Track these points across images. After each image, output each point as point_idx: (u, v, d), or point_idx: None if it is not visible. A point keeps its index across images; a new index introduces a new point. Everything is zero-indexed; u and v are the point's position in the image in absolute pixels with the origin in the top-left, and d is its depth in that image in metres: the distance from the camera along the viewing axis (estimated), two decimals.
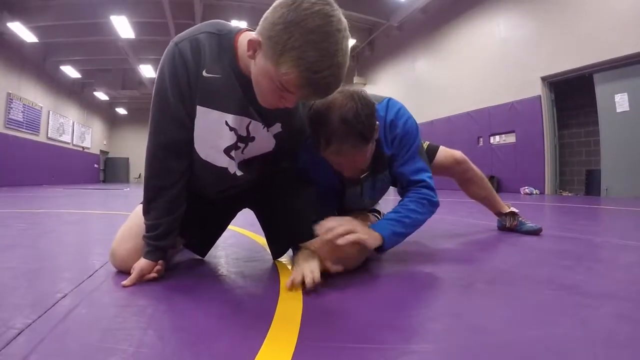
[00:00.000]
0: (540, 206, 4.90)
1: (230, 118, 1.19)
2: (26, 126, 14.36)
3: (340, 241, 1.19)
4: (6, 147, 12.90)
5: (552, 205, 5.03)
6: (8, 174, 12.82)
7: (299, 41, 0.91)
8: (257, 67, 1.03)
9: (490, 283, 1.25)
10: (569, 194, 8.31)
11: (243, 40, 1.13)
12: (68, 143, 18.20)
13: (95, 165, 22.23)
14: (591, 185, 8.06)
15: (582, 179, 8.77)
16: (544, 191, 8.33)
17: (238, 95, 1.17)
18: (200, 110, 1.18)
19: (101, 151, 23.35)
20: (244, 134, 1.24)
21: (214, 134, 1.21)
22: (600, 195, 7.38)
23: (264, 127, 1.26)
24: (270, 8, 0.98)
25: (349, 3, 11.45)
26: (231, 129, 1.21)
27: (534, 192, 8.24)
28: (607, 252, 1.83)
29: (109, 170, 24.33)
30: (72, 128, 18.59)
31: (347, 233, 1.21)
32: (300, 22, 0.91)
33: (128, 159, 24.61)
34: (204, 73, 1.15)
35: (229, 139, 1.23)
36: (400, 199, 1.52)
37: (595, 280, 1.27)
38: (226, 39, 1.16)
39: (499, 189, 9.14)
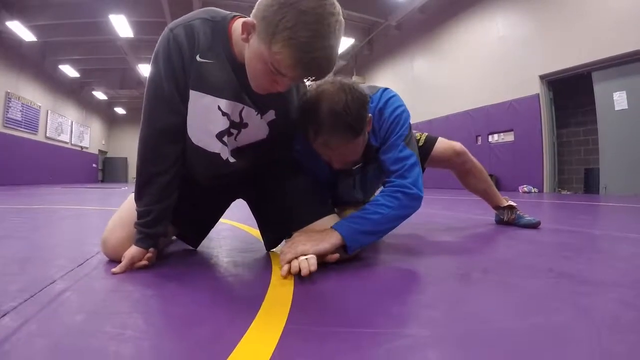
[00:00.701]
0: (539, 203, 4.89)
1: (223, 103, 1.18)
2: (25, 125, 14.33)
3: (303, 267, 1.10)
4: (4, 147, 12.88)
5: (550, 203, 5.02)
6: (6, 173, 12.80)
7: (292, 21, 0.92)
8: (251, 49, 1.04)
9: (488, 272, 1.23)
10: (568, 193, 8.29)
11: (237, 25, 1.14)
12: (67, 142, 18.16)
13: (94, 165, 22.19)
14: (590, 183, 8.04)
15: (580, 177, 8.76)
16: (543, 190, 8.31)
17: (232, 80, 1.17)
18: (193, 94, 1.17)
19: (100, 151, 23.30)
20: (237, 119, 1.23)
21: (206, 118, 1.20)
22: (599, 193, 7.37)
23: (257, 114, 1.25)
24: None
25: (347, 2, 11.42)
26: (224, 114, 1.20)
27: (533, 191, 8.22)
28: (607, 243, 1.81)
29: (107, 170, 24.27)
30: (70, 127, 18.55)
31: (300, 255, 1.14)
32: (293, 3, 0.92)
33: (126, 158, 24.55)
34: (198, 58, 1.15)
35: (222, 124, 1.21)
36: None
37: (596, 269, 1.25)
38: (220, 25, 1.16)
39: (497, 188, 9.06)
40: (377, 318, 0.82)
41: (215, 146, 1.24)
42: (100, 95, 20.30)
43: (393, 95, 1.45)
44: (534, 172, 8.50)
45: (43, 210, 3.52)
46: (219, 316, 0.83)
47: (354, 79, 14.85)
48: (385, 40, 14.03)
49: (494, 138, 9.61)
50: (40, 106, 15.42)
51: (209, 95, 1.17)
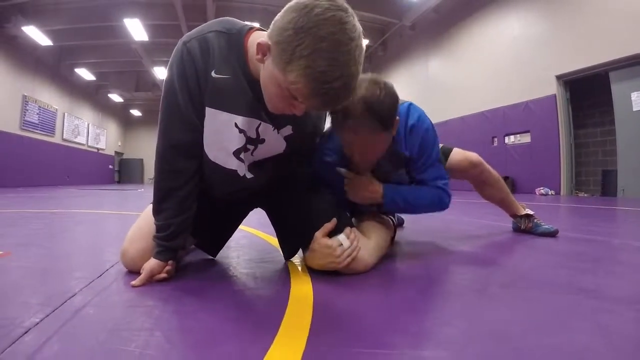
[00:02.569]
0: (556, 207, 4.82)
1: (239, 120, 1.17)
2: (41, 128, 14.58)
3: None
4: (22, 149, 13.12)
5: (567, 207, 4.94)
6: (24, 174, 13.06)
7: (309, 49, 0.87)
8: (266, 71, 1.00)
9: (506, 287, 1.21)
10: (585, 195, 8.17)
11: (253, 40, 1.11)
12: (83, 144, 18.43)
13: (110, 166, 22.47)
14: (607, 185, 7.90)
15: (598, 179, 8.62)
16: (560, 192, 8.20)
17: (248, 96, 1.15)
18: (209, 111, 1.16)
19: (116, 152, 23.60)
20: (254, 135, 1.22)
21: (222, 135, 1.19)
22: (617, 196, 7.25)
23: (274, 129, 1.24)
24: (282, 11, 0.94)
25: (361, 3, 11.42)
26: (240, 130, 1.19)
27: (550, 193, 8.12)
28: (627, 254, 1.77)
29: (123, 171, 24.57)
30: (87, 129, 18.82)
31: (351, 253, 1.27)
32: (311, 28, 0.86)
33: (142, 160, 24.83)
34: (213, 74, 1.13)
35: (238, 141, 1.21)
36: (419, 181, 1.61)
37: (616, 283, 1.22)
38: (235, 38, 1.13)
39: (514, 190, 9.03)
40: (396, 337, 0.81)
41: (232, 163, 1.24)
42: (115, 97, 20.56)
43: (422, 113, 1.51)
44: (550, 174, 8.39)
45: (60, 215, 3.57)
46: (240, 334, 0.83)
47: None
48: (399, 41, 13.98)
49: (510, 139, 9.50)
50: (56, 109, 15.68)
51: (225, 113, 1.16)
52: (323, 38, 0.86)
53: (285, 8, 0.93)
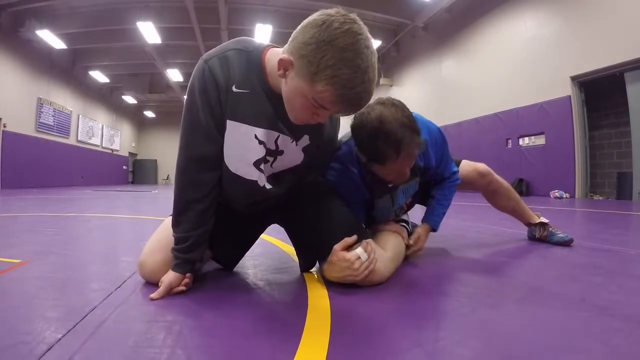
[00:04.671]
0: (571, 212, 4.77)
1: (259, 132, 1.22)
2: (56, 129, 14.80)
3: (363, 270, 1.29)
4: (37, 150, 13.35)
5: (582, 211, 4.89)
6: (40, 176, 13.28)
7: (333, 59, 0.96)
8: (289, 86, 1.07)
9: (520, 302, 1.22)
10: (600, 198, 8.04)
11: (271, 57, 1.17)
12: (97, 145, 18.66)
13: (124, 167, 22.70)
14: (623, 188, 7.76)
15: (613, 182, 8.47)
16: (574, 195, 8.10)
17: (267, 110, 1.20)
18: (230, 124, 1.20)
19: (130, 153, 23.85)
20: (273, 147, 1.26)
21: (243, 147, 1.23)
22: (632, 199, 7.15)
23: (292, 141, 1.28)
24: (299, 28, 1.03)
25: (374, 4, 11.42)
26: (260, 142, 1.23)
27: (564, 196, 8.02)
28: None
29: (137, 172, 24.84)
30: (101, 131, 19.06)
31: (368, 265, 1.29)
32: (332, 41, 0.96)
33: (156, 160, 25.07)
34: (234, 88, 1.18)
35: (258, 152, 1.25)
36: (439, 183, 1.86)
37: (630, 300, 1.21)
38: (254, 56, 1.19)
39: (528, 193, 8.95)
40: (409, 356, 0.82)
41: (252, 174, 1.27)
42: (129, 99, 20.76)
43: (425, 121, 1.61)
44: (565, 176, 8.28)
45: (76, 220, 3.63)
46: (260, 351, 0.85)
47: (382, 81, 14.86)
48: (412, 42, 13.92)
49: (524, 141, 9.40)
50: (71, 111, 15.91)
51: (245, 125, 1.20)
52: (344, 49, 0.96)
53: (303, 25, 1.02)
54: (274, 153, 1.28)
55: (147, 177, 24.61)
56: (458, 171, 1.87)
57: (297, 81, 1.03)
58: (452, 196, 1.86)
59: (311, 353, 0.81)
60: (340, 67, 0.96)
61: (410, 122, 1.32)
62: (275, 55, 1.15)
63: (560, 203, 6.29)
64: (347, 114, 1.11)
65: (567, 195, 8.06)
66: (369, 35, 1.02)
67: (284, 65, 1.04)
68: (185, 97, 1.24)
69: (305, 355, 0.80)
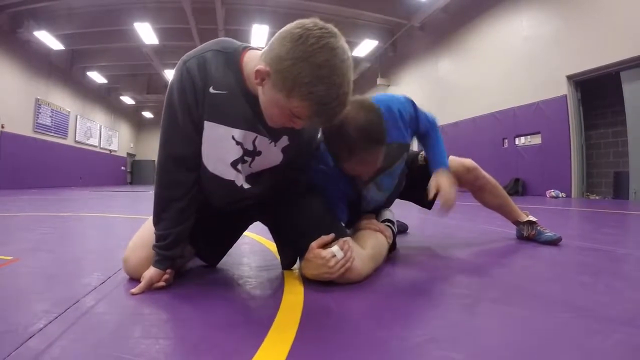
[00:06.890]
0: (565, 211, 4.77)
1: (236, 133, 1.22)
2: (54, 130, 14.81)
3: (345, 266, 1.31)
4: (35, 151, 13.36)
5: (576, 211, 4.89)
6: (38, 176, 13.28)
7: (309, 77, 0.96)
8: (267, 96, 1.07)
9: (497, 302, 1.18)
10: (596, 197, 8.05)
11: (249, 59, 1.18)
12: (95, 146, 18.68)
13: (123, 168, 22.71)
14: (619, 187, 7.76)
15: (609, 181, 8.48)
16: (571, 194, 8.11)
17: (245, 111, 1.21)
18: (207, 125, 1.21)
19: (128, 154, 23.87)
20: (251, 148, 1.27)
21: (220, 147, 1.24)
22: (629, 198, 7.15)
23: (270, 142, 1.29)
24: (277, 38, 1.03)
25: (370, 4, 11.44)
26: (237, 143, 1.24)
27: (560, 195, 8.03)
28: (630, 266, 1.72)
29: (135, 172, 24.88)
30: (99, 131, 19.07)
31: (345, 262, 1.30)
32: (308, 57, 0.95)
33: (154, 161, 24.91)
34: (211, 89, 1.18)
35: (236, 152, 1.26)
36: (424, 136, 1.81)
37: (611, 301, 1.18)
38: (232, 57, 1.20)
39: (524, 192, 8.97)
40: (378, 353, 0.82)
41: (230, 174, 1.28)
42: (127, 100, 20.79)
43: (390, 97, 1.68)
44: (561, 175, 8.30)
45: (70, 219, 3.65)
46: (227, 343, 0.86)
47: (379, 82, 14.87)
48: (409, 42, 13.92)
49: (520, 141, 9.42)
50: (69, 111, 15.91)
51: (222, 126, 1.21)
52: (320, 66, 0.96)
53: (280, 36, 1.02)
54: (251, 154, 1.29)
55: (145, 178, 24.57)
56: (433, 116, 1.82)
57: (274, 92, 1.03)
58: (440, 134, 1.82)
59: (275, 347, 0.82)
60: (315, 84, 0.96)
61: (370, 129, 1.34)
62: (253, 57, 1.16)
63: (555, 203, 6.29)
64: (323, 125, 1.13)
65: (564, 194, 8.07)
66: (346, 46, 1.02)
67: (261, 75, 1.04)
68: (165, 97, 1.25)
69: (269, 348, 0.82)
